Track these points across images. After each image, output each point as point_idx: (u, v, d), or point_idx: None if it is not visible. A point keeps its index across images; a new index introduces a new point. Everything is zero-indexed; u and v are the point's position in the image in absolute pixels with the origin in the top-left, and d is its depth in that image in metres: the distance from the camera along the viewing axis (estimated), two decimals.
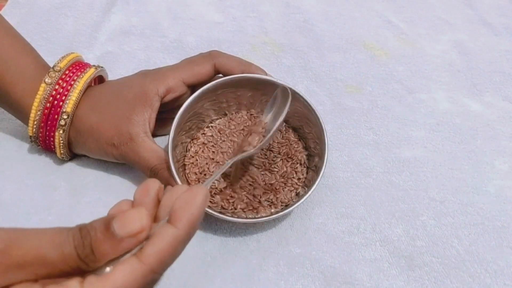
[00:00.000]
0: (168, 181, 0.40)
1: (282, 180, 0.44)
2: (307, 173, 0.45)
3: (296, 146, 0.46)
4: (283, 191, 0.43)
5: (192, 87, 0.45)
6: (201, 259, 0.41)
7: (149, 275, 0.25)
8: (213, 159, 0.45)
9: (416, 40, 0.61)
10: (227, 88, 0.45)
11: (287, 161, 0.45)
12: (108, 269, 0.25)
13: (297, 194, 0.44)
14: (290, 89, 0.42)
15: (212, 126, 0.47)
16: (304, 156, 0.45)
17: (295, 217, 0.44)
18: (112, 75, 0.48)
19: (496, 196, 0.47)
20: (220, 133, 0.46)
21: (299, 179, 0.44)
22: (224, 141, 0.46)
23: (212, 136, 0.46)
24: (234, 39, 0.60)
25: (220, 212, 0.41)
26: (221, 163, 0.45)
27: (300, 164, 0.45)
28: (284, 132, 0.47)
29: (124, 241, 0.25)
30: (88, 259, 0.24)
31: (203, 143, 0.46)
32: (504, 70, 0.58)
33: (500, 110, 0.54)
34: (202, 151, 0.45)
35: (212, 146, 0.46)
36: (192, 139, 0.46)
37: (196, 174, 0.44)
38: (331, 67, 0.57)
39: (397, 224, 0.44)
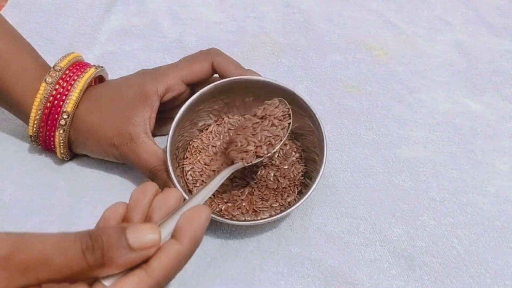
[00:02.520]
0: (166, 183, 0.40)
1: (281, 185, 0.44)
2: (305, 173, 0.45)
3: (292, 148, 0.46)
4: (283, 195, 0.43)
5: (191, 87, 0.45)
6: (201, 259, 0.41)
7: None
8: (211, 162, 0.45)
9: (416, 40, 0.61)
10: (228, 90, 0.44)
11: (285, 163, 0.45)
12: (109, 281, 0.25)
13: (299, 193, 0.44)
14: (290, 91, 0.42)
15: (211, 128, 0.47)
16: (299, 156, 0.45)
17: (295, 217, 0.44)
18: (112, 75, 0.48)
19: (496, 196, 0.47)
20: (219, 136, 0.46)
21: (298, 179, 0.44)
22: (222, 144, 0.46)
23: (210, 138, 0.46)
24: (234, 39, 0.60)
25: (219, 215, 0.41)
26: (218, 166, 0.44)
27: (298, 164, 0.45)
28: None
29: (135, 252, 0.25)
30: (96, 263, 0.24)
31: (202, 145, 0.46)
32: (504, 70, 0.58)
33: (500, 110, 0.54)
34: (201, 153, 0.45)
35: (211, 148, 0.45)
36: (191, 141, 0.46)
37: (194, 176, 0.44)
38: (331, 67, 0.57)
39: (397, 224, 0.44)
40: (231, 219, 0.41)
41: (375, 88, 0.55)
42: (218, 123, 0.47)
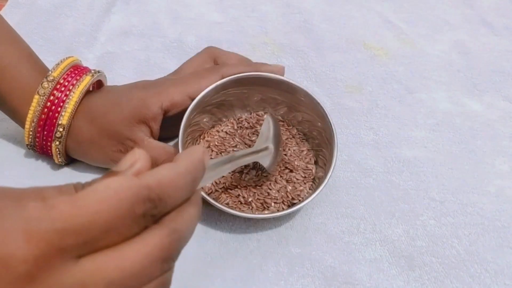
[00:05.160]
0: None
1: (291, 180, 0.44)
2: (316, 169, 0.45)
3: (303, 148, 0.47)
4: (292, 190, 0.44)
5: None
6: (201, 259, 0.41)
7: (144, 190, 0.21)
8: (221, 155, 0.45)
9: (416, 40, 0.61)
10: (235, 87, 0.44)
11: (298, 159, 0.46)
12: None
13: (309, 188, 0.44)
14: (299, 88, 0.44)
15: (218, 126, 0.47)
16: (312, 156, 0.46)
17: (295, 217, 0.44)
18: (112, 75, 0.48)
19: (496, 196, 0.47)
20: (227, 133, 0.47)
21: (307, 176, 0.45)
22: (230, 142, 0.46)
23: (220, 134, 0.46)
24: (234, 39, 0.60)
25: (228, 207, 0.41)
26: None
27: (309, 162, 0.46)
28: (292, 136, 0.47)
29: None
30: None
31: (212, 138, 0.46)
32: (504, 70, 0.58)
33: (500, 110, 0.54)
34: (210, 147, 0.46)
35: (220, 145, 0.46)
36: (202, 134, 0.46)
37: None
38: (331, 67, 0.57)
39: (397, 224, 0.44)
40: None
41: (375, 88, 0.55)
42: (226, 119, 0.47)
